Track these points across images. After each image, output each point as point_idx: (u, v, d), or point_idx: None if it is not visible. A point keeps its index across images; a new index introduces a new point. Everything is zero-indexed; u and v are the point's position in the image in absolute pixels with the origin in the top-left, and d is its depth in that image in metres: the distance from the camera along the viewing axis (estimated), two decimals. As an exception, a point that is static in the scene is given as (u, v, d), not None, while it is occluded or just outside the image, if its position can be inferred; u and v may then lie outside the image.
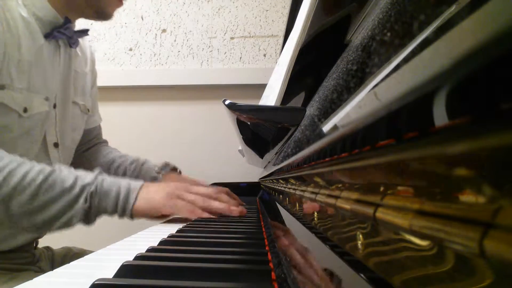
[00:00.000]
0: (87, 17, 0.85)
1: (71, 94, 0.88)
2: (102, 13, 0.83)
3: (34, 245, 0.87)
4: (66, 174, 0.67)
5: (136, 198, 0.69)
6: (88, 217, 0.68)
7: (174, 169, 1.06)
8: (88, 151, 1.06)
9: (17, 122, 0.72)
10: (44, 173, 0.64)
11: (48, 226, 0.65)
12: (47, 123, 0.80)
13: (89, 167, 0.97)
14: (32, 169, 0.64)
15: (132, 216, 0.70)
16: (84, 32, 0.87)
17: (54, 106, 0.82)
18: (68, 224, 0.66)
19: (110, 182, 0.69)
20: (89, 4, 0.81)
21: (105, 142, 1.12)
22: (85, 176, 0.68)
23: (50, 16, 0.77)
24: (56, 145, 0.83)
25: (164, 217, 0.75)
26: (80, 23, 0.89)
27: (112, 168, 1.02)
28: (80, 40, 0.89)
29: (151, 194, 0.70)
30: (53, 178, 0.65)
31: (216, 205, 0.73)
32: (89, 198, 0.66)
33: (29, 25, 0.74)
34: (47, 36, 0.77)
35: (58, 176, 0.65)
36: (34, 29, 0.75)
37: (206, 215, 0.71)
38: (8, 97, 0.70)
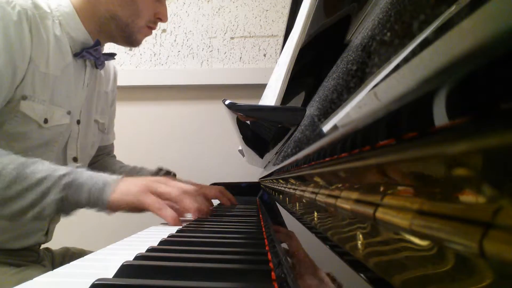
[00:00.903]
0: (116, 42, 0.89)
1: (93, 113, 0.94)
2: (131, 40, 0.88)
3: (39, 246, 0.90)
4: (46, 166, 0.68)
5: (113, 191, 0.68)
6: (63, 209, 0.68)
7: (168, 172, 1.08)
8: (95, 163, 1.10)
9: (37, 132, 0.76)
10: (24, 164, 0.66)
11: (22, 215, 0.67)
12: (69, 138, 0.85)
13: None
14: (15, 160, 0.66)
15: (109, 209, 0.69)
16: (111, 55, 0.93)
17: (78, 123, 0.88)
18: (41, 215, 0.67)
19: (88, 175, 0.69)
20: (120, 30, 0.85)
21: (114, 156, 1.17)
22: (63, 168, 0.69)
23: (82, 37, 0.83)
24: (75, 159, 0.88)
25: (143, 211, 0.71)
26: (107, 47, 0.95)
27: None
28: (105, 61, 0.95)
29: (126, 188, 0.69)
30: (32, 169, 0.66)
31: (187, 202, 0.69)
32: (63, 189, 0.66)
33: (61, 43, 0.80)
34: (76, 55, 0.83)
35: (37, 167, 0.67)
36: (65, 47, 0.81)
37: (172, 215, 0.66)
38: (28, 108, 0.74)
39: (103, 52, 0.91)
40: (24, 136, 0.75)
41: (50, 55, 0.77)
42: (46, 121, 0.77)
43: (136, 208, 0.68)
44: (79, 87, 0.86)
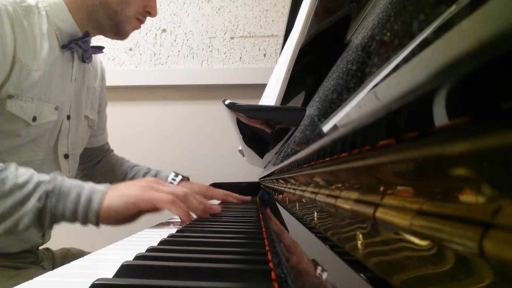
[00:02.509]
0: (105, 33, 0.87)
1: (83, 108, 0.91)
2: (119, 30, 0.85)
3: (37, 248, 0.89)
4: (23, 171, 0.62)
5: (102, 198, 0.61)
6: (41, 220, 0.60)
7: (185, 178, 1.09)
8: (99, 163, 1.09)
9: (25, 130, 0.74)
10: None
11: None
12: (60, 134, 0.82)
13: (102, 179, 1.03)
14: None
15: (98, 220, 0.62)
16: (100, 48, 0.89)
17: (68, 118, 0.85)
18: (16, 226, 0.59)
19: (72, 182, 0.63)
20: (108, 18, 0.83)
21: (112, 150, 1.16)
22: (43, 175, 0.63)
23: (70, 28, 0.80)
24: (66, 156, 0.86)
25: (139, 216, 0.65)
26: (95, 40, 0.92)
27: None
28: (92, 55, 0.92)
29: (122, 191, 0.63)
30: (6, 173, 0.60)
31: (194, 203, 0.67)
32: (45, 197, 0.60)
33: (49, 37, 0.76)
34: (64, 47, 0.80)
35: (12, 171, 0.61)
36: (52, 40, 0.78)
37: (185, 209, 0.64)
38: (16, 107, 0.71)
39: (91, 45, 0.87)
40: (12, 134, 0.72)
41: (37, 51, 0.74)
42: (34, 119, 0.74)
43: (137, 209, 0.62)
44: (66, 81, 0.83)
